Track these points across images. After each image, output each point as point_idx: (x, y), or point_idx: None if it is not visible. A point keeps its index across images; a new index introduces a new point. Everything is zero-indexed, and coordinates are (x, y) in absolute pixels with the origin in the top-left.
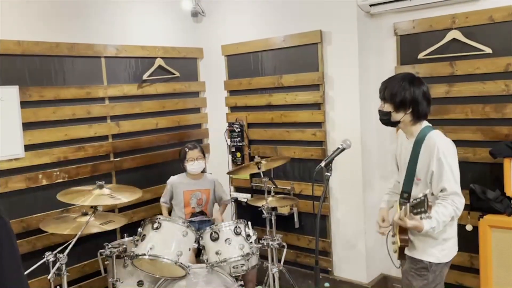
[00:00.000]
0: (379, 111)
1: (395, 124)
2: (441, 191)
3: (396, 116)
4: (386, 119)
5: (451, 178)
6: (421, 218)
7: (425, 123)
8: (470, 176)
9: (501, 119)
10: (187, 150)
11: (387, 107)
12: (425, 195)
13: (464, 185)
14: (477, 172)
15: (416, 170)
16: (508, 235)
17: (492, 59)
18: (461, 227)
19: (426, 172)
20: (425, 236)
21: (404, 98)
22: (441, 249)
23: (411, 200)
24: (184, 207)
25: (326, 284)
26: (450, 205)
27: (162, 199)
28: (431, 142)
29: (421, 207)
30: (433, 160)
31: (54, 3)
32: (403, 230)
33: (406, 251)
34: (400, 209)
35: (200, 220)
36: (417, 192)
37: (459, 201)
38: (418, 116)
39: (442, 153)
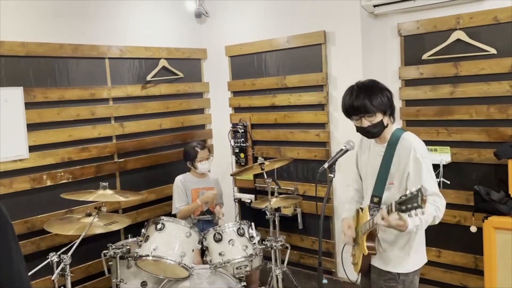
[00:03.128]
0: (369, 126)
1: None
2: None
3: (386, 120)
4: (379, 129)
5: (430, 178)
6: (409, 215)
7: (396, 125)
8: (475, 177)
9: (506, 120)
10: (198, 150)
11: (378, 117)
12: (419, 189)
13: (468, 186)
14: (481, 173)
15: (388, 174)
16: None
17: (497, 59)
18: (465, 229)
19: (401, 175)
20: (391, 245)
21: (389, 101)
22: (408, 258)
23: (399, 198)
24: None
25: (325, 281)
26: (431, 204)
27: (178, 204)
28: (406, 143)
29: (413, 202)
30: (409, 162)
31: (58, 4)
32: (370, 238)
33: (372, 262)
34: (370, 213)
35: (204, 221)
36: (388, 196)
37: (440, 202)
38: (394, 118)
39: (420, 154)
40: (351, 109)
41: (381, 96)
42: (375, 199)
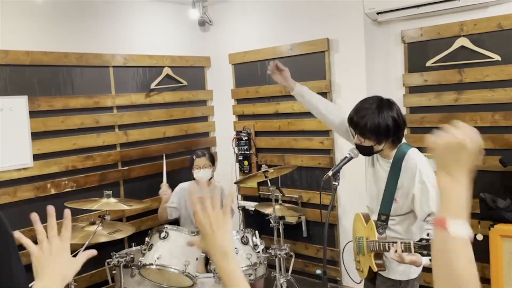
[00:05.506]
0: (357, 145)
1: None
2: (429, 215)
3: (378, 148)
4: (367, 151)
5: (436, 201)
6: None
7: (399, 143)
8: (480, 184)
9: (511, 127)
10: (194, 157)
11: (368, 142)
12: None
13: (474, 193)
14: (487, 181)
15: (395, 190)
16: None
17: (501, 66)
18: None
19: (406, 195)
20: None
21: (386, 128)
22: (410, 266)
23: (419, 240)
24: (193, 214)
25: (318, 271)
26: None
27: (168, 203)
28: (411, 163)
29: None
30: (414, 183)
31: (62, 13)
32: (378, 255)
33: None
34: (378, 231)
35: None
36: (393, 211)
37: None
38: (399, 140)
39: (426, 176)
40: (350, 120)
41: (381, 122)
42: (383, 217)
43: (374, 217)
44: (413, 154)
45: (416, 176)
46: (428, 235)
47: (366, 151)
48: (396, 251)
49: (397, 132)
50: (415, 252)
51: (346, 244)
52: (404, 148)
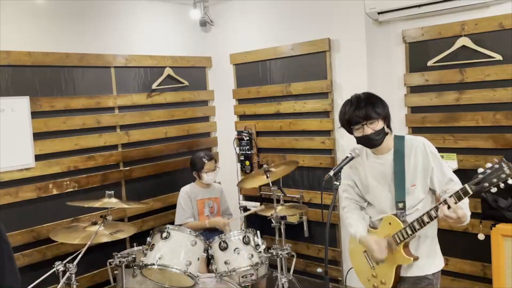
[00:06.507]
0: (372, 134)
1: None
2: (447, 183)
3: (386, 130)
4: (381, 137)
5: (449, 168)
6: (490, 189)
7: (392, 133)
8: None
9: None
10: (205, 161)
11: (380, 124)
12: (501, 160)
13: (475, 193)
14: None
15: (405, 178)
16: None
17: (502, 66)
18: (473, 236)
19: (424, 173)
20: (427, 248)
21: (385, 109)
22: (436, 255)
23: (473, 180)
24: (198, 215)
25: (319, 270)
26: None
27: (184, 217)
28: (414, 142)
29: (499, 175)
30: (428, 157)
31: (64, 14)
32: (406, 246)
33: (404, 273)
34: (401, 219)
35: (209, 230)
36: (412, 199)
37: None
38: (391, 128)
39: (433, 148)
40: (353, 117)
41: (381, 104)
42: (400, 205)
43: (391, 210)
44: (411, 137)
45: (427, 151)
46: (482, 170)
47: (379, 137)
48: (449, 207)
49: (389, 115)
50: (475, 190)
51: (349, 270)
52: (400, 137)
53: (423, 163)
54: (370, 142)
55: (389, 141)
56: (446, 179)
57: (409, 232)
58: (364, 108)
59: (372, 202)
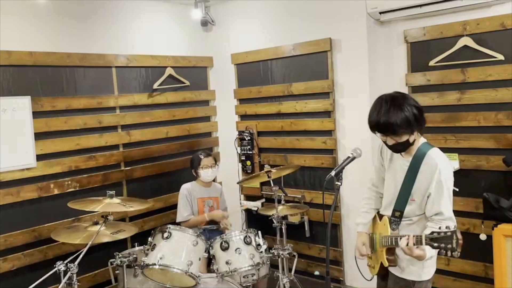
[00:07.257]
0: (394, 144)
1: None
2: (436, 214)
3: (412, 138)
4: (404, 147)
5: (449, 203)
6: (445, 254)
7: (422, 139)
8: (483, 184)
9: None
10: (201, 157)
11: (404, 137)
12: (454, 231)
13: (477, 193)
14: (490, 181)
15: (412, 189)
16: None
17: (504, 65)
18: (475, 237)
19: (423, 194)
20: (407, 259)
21: (415, 118)
22: (423, 267)
23: (431, 233)
24: (198, 214)
25: (316, 272)
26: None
27: (185, 214)
28: (432, 162)
29: (447, 242)
30: (432, 182)
31: (65, 14)
32: (390, 251)
33: (390, 269)
34: (391, 227)
35: (211, 229)
36: (409, 211)
37: (453, 226)
38: (425, 123)
39: (444, 177)
40: (376, 127)
41: (408, 114)
42: (397, 213)
43: (388, 211)
44: (433, 154)
45: (435, 176)
46: (439, 228)
47: (403, 147)
48: (407, 244)
49: (422, 116)
50: (426, 244)
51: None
52: (425, 148)
53: (425, 184)
54: (392, 149)
55: (413, 147)
56: (436, 211)
57: (389, 242)
58: (388, 120)
59: (383, 192)
